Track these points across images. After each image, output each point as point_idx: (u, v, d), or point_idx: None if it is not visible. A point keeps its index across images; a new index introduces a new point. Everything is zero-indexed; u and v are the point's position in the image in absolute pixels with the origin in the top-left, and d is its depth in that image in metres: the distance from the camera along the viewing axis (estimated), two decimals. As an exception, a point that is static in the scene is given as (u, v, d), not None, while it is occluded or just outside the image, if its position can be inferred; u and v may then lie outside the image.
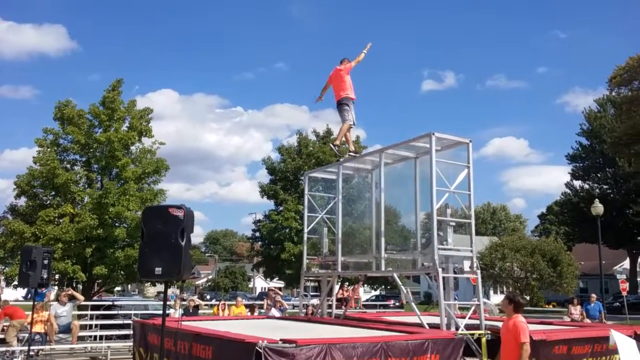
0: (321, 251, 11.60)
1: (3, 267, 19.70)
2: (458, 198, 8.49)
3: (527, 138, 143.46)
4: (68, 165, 20.50)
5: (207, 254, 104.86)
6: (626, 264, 50.25)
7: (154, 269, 6.07)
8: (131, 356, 9.85)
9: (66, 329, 13.01)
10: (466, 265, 8.86)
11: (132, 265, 18.33)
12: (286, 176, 34.14)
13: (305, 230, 11.61)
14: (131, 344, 10.51)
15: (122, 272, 19.58)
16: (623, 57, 44.83)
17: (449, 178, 8.36)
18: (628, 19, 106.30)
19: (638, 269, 49.43)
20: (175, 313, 14.23)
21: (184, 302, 17.03)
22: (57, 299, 13.88)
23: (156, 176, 21.25)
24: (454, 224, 8.59)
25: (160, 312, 7.33)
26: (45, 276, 10.27)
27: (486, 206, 78.59)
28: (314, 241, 13.41)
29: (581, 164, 51.80)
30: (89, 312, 16.10)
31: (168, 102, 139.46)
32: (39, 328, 12.26)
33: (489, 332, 7.78)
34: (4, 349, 11.48)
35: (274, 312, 14.74)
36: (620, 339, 7.25)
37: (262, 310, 16.37)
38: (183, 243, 6.03)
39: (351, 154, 11.01)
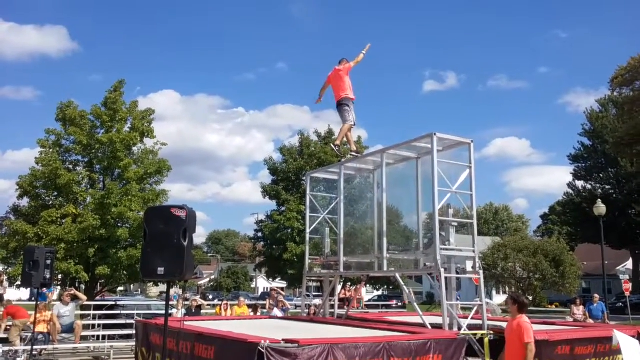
0: (323, 251, 11.60)
1: (6, 268, 19.72)
2: (460, 198, 8.49)
3: (529, 138, 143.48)
4: (70, 166, 20.53)
5: (209, 254, 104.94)
6: (629, 264, 50.18)
7: (157, 269, 6.08)
8: (134, 356, 9.86)
9: (69, 329, 13.04)
10: (469, 265, 8.86)
11: (135, 265, 18.35)
12: (288, 177, 34.17)
13: (308, 231, 11.60)
14: (134, 343, 10.52)
15: (124, 272, 19.60)
16: (625, 57, 44.76)
17: (451, 178, 8.35)
18: (629, 18, 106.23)
19: (641, 269, 49.37)
20: (178, 313, 14.24)
21: (186, 302, 17.05)
22: (60, 299, 13.91)
23: (158, 177, 21.27)
24: (456, 224, 8.58)
25: (163, 312, 7.35)
26: (48, 276, 10.29)
27: (488, 206, 78.51)
28: (316, 241, 13.41)
29: (583, 164, 51.74)
30: (92, 312, 16.14)
31: (170, 103, 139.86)
32: (42, 328, 12.28)
33: (491, 332, 7.78)
34: (7, 348, 11.50)
35: (277, 312, 14.76)
36: (623, 339, 7.25)
37: (265, 310, 16.38)
38: (185, 243, 6.03)
39: (353, 154, 11.01)
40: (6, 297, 15.03)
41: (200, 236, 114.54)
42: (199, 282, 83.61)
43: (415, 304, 9.54)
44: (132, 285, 60.62)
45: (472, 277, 8.79)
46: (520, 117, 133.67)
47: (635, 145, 33.74)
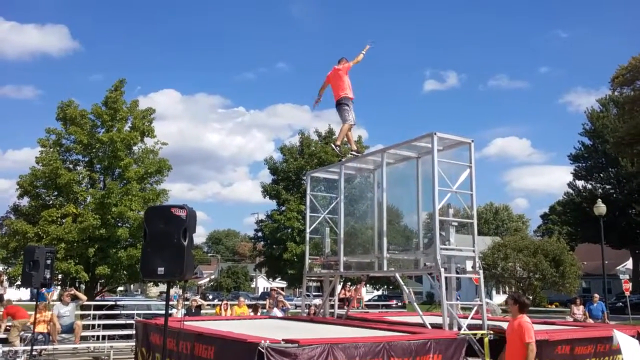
0: (323, 251, 11.60)
1: (6, 267, 19.73)
2: (460, 198, 8.48)
3: (530, 138, 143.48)
4: (71, 166, 20.53)
5: (209, 254, 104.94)
6: (629, 263, 50.19)
7: (157, 269, 6.07)
8: (133, 356, 9.85)
9: (69, 329, 13.04)
10: (468, 265, 8.85)
11: (135, 265, 18.35)
12: (288, 176, 34.18)
13: (308, 230, 11.60)
14: (134, 344, 10.52)
15: (124, 272, 19.60)
16: (625, 57, 44.71)
17: (451, 178, 8.35)
18: (630, 18, 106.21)
19: (641, 269, 49.37)
20: (178, 313, 14.24)
21: (186, 302, 17.05)
22: (60, 299, 13.91)
23: (158, 176, 21.27)
24: (456, 224, 8.58)
25: (163, 312, 7.35)
26: (48, 276, 10.29)
27: (489, 206, 78.51)
28: (316, 241, 13.41)
29: (584, 164, 51.72)
30: (92, 312, 16.14)
31: (170, 102, 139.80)
32: (41, 328, 12.28)
33: (491, 332, 7.78)
34: (7, 348, 11.50)
35: (276, 311, 14.75)
36: (623, 339, 7.25)
37: (265, 310, 16.39)
38: (185, 243, 6.03)
39: (353, 153, 11.00)
40: (7, 297, 15.04)
41: (200, 236, 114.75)
42: (199, 282, 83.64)
43: (415, 303, 9.54)
44: (132, 285, 60.61)
45: (472, 277, 8.78)
46: (520, 117, 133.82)
47: (636, 145, 33.73)
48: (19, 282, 17.07)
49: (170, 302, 8.19)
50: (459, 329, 7.66)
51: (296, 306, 19.66)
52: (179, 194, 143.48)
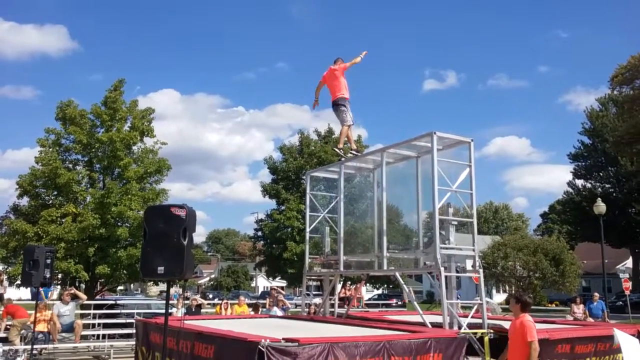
0: (323, 250, 11.60)
1: (6, 267, 19.72)
2: (460, 197, 8.48)
3: (529, 137, 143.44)
4: (70, 165, 20.52)
5: (209, 254, 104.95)
6: (629, 262, 50.23)
7: (157, 268, 6.07)
8: (134, 355, 9.86)
9: (69, 328, 13.05)
10: (468, 264, 8.86)
11: (135, 264, 18.35)
12: (288, 176, 34.17)
13: (307, 230, 11.60)
14: (134, 343, 10.53)
15: (124, 271, 19.60)
16: (625, 56, 44.79)
17: (451, 177, 8.35)
18: (629, 18, 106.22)
19: (641, 268, 49.39)
20: (178, 312, 14.25)
21: (186, 302, 17.05)
22: (60, 298, 13.92)
23: (158, 176, 21.26)
24: (456, 223, 8.58)
25: (163, 311, 7.35)
26: (48, 275, 10.30)
27: (488, 205, 78.52)
28: (316, 240, 13.41)
29: (583, 163, 51.73)
30: (92, 312, 16.15)
31: (169, 102, 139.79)
32: (42, 327, 12.30)
33: (491, 331, 7.78)
34: (7, 347, 11.51)
35: (277, 311, 14.76)
36: (623, 338, 7.25)
37: (264, 309, 16.39)
38: (185, 242, 6.03)
39: (353, 152, 11.01)
40: (7, 296, 15.05)
41: (200, 235, 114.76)
42: (199, 281, 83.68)
43: (415, 302, 9.54)
44: (132, 285, 60.69)
45: (472, 276, 8.78)
46: (520, 116, 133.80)
47: (635, 144, 33.72)
48: (18, 282, 17.08)
49: (170, 301, 8.19)
50: (459, 328, 7.67)
51: (296, 305, 19.68)
52: (179, 193, 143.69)
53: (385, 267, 9.33)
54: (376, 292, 50.28)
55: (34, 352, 11.16)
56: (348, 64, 10.50)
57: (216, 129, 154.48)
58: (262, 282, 74.06)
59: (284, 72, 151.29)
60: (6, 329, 12.67)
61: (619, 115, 42.06)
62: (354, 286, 23.83)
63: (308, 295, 12.74)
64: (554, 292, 37.67)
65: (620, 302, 34.62)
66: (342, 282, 19.93)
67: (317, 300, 14.59)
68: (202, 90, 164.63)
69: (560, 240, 35.41)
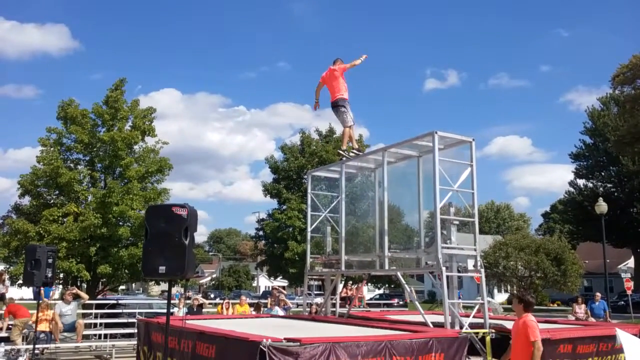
0: (325, 250, 11.59)
1: (8, 266, 19.75)
2: (461, 197, 8.48)
3: (531, 137, 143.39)
4: (71, 165, 20.56)
5: (210, 253, 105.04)
6: (631, 262, 50.14)
7: (158, 268, 6.07)
8: (135, 355, 9.87)
9: (71, 328, 13.05)
10: (470, 264, 8.85)
11: (136, 264, 18.38)
12: (289, 175, 34.15)
13: (309, 229, 11.60)
14: (135, 342, 10.53)
15: (126, 270, 19.63)
16: (626, 56, 44.72)
17: (452, 177, 8.34)
18: (631, 17, 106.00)
19: (642, 268, 49.30)
20: (179, 312, 14.26)
21: (188, 301, 17.06)
22: (61, 298, 13.93)
23: (159, 175, 21.29)
24: (457, 222, 8.57)
25: (164, 310, 7.35)
26: (49, 275, 10.31)
27: (490, 205, 78.49)
28: (317, 240, 13.40)
29: (585, 163, 51.64)
30: (94, 311, 16.15)
31: (171, 101, 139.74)
32: (44, 327, 12.30)
33: (493, 330, 7.78)
34: (9, 347, 11.52)
35: (278, 310, 14.75)
36: (625, 338, 7.23)
37: (266, 309, 16.39)
38: (187, 242, 6.03)
39: (354, 151, 11.00)
40: (9, 295, 15.06)
41: (201, 235, 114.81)
42: (201, 281, 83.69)
43: (416, 302, 9.54)
44: (133, 284, 60.78)
45: (473, 276, 8.78)
46: (521, 116, 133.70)
47: (637, 144, 33.65)
48: (20, 281, 17.10)
49: (172, 301, 8.19)
50: (461, 327, 7.66)
51: (298, 305, 19.67)
52: (180, 193, 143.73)
53: (386, 267, 9.33)
54: (378, 291, 50.31)
55: (36, 351, 11.17)
56: (348, 65, 10.48)
57: (217, 129, 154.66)
58: (263, 282, 74.06)
59: (285, 71, 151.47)
60: (8, 329, 12.68)
61: (620, 114, 41.97)
62: (356, 286, 23.81)
63: (309, 294, 12.75)
64: (555, 291, 37.64)
65: (622, 302, 34.59)
66: (343, 282, 19.90)
67: (319, 300, 14.59)
68: (203, 89, 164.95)
69: (561, 240, 35.37)
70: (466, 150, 8.75)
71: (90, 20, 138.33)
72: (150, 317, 11.90)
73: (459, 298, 8.72)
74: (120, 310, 17.39)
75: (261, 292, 63.19)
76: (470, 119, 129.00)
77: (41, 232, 18.26)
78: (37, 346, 11.27)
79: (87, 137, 19.85)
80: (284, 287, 36.63)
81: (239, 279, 75.24)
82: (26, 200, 20.31)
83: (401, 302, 33.56)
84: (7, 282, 18.85)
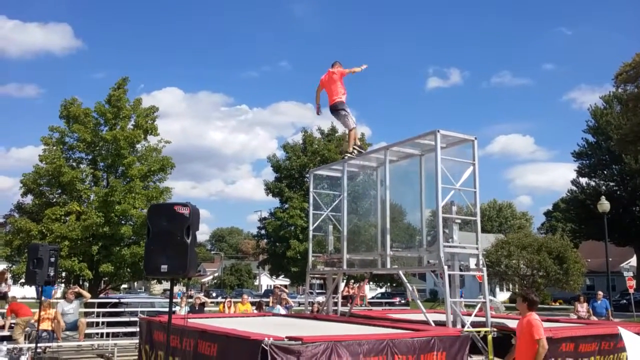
0: (326, 249, 11.60)
1: (10, 265, 19.78)
2: (463, 195, 8.47)
3: (533, 135, 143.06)
4: (74, 164, 20.54)
5: (212, 252, 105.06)
6: (633, 261, 50.03)
7: (160, 267, 6.07)
8: (137, 353, 9.88)
9: (73, 327, 13.06)
10: (472, 262, 8.87)
11: (138, 262, 18.38)
12: (291, 174, 34.15)
13: (311, 228, 11.60)
14: (137, 341, 10.54)
15: (128, 269, 19.64)
16: (629, 54, 44.61)
17: (455, 175, 8.34)
18: (634, 15, 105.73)
19: (645, 266, 49.23)
20: (182, 310, 14.27)
21: (190, 300, 17.08)
22: (64, 297, 13.95)
23: (162, 174, 21.28)
24: (459, 221, 8.58)
25: (166, 309, 7.35)
26: (52, 274, 10.32)
27: (492, 203, 78.41)
28: (319, 239, 13.40)
29: (587, 161, 51.53)
30: (96, 310, 16.19)
31: (173, 100, 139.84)
32: (46, 325, 12.32)
33: (495, 329, 7.77)
34: (11, 346, 11.53)
35: (280, 309, 14.77)
36: (627, 337, 7.22)
37: (268, 307, 16.41)
38: (189, 240, 6.03)
39: (357, 149, 10.98)
40: (12, 294, 15.08)
41: (203, 233, 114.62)
42: (203, 280, 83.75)
43: (418, 301, 9.55)
44: (135, 283, 60.85)
45: (475, 274, 8.79)
46: (524, 114, 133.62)
47: (639, 142, 33.61)
48: (22, 280, 17.13)
49: (174, 300, 8.20)
50: (463, 326, 7.66)
51: (299, 303, 19.69)
52: (182, 191, 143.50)
53: (388, 266, 9.33)
54: (379, 290, 50.24)
55: (38, 350, 11.19)
56: (347, 70, 10.37)
57: (220, 127, 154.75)
58: (265, 281, 74.08)
59: (287, 70, 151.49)
60: (10, 327, 12.70)
61: (623, 113, 41.87)
62: (357, 284, 23.81)
63: (311, 293, 12.78)
64: (557, 290, 37.59)
65: (625, 301, 34.56)
66: (345, 281, 19.91)
67: (320, 298, 14.61)
68: (205, 88, 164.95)
69: (564, 239, 35.30)
70: (468, 149, 8.74)
71: (93, 20, 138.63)
72: (152, 315, 11.89)
73: (461, 297, 8.72)
74: (122, 309, 17.40)
75: (263, 291, 63.19)
76: (473, 117, 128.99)
77: (43, 230, 18.27)
78: (39, 345, 11.28)
79: (89, 136, 19.86)
80: (285, 286, 36.65)
81: (240, 277, 75.32)
82: (29, 199, 20.34)
83: (403, 301, 33.50)
84: (10, 281, 18.88)
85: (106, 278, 20.80)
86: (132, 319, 14.85)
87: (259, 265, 49.63)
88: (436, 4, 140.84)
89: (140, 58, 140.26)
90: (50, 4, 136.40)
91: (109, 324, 15.21)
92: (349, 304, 12.46)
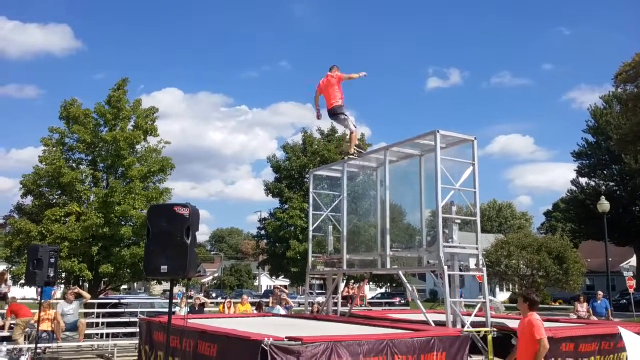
0: (327, 249, 11.60)
1: (10, 266, 19.78)
2: (463, 196, 8.48)
3: (533, 135, 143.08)
4: (74, 165, 20.54)
5: (212, 253, 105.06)
6: (633, 261, 50.04)
7: (160, 267, 6.08)
8: (137, 354, 9.88)
9: (73, 327, 13.07)
10: (472, 262, 8.87)
11: (138, 263, 18.37)
12: (291, 174, 34.14)
13: (311, 229, 11.61)
14: (137, 341, 10.55)
15: (128, 270, 19.63)
16: (629, 54, 44.61)
17: (455, 176, 8.35)
18: (634, 15, 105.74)
19: (645, 266, 49.22)
20: (182, 311, 14.27)
21: (190, 300, 17.07)
22: (64, 298, 13.95)
23: (162, 175, 21.27)
24: (459, 221, 8.59)
25: (166, 310, 7.36)
26: (52, 275, 10.33)
27: (492, 204, 78.41)
28: (319, 239, 13.41)
29: (587, 161, 51.53)
30: (96, 311, 16.18)
31: (173, 101, 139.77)
32: (46, 326, 12.33)
33: (495, 329, 7.77)
34: (11, 347, 11.53)
35: (280, 309, 14.77)
36: (628, 337, 7.22)
37: (268, 308, 16.41)
38: (189, 241, 6.03)
39: (356, 149, 10.99)
40: (12, 295, 15.08)
41: (203, 234, 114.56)
42: (203, 280, 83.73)
43: (418, 301, 9.55)
44: (135, 284, 60.86)
45: (475, 275, 8.79)
46: (524, 114, 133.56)
47: (639, 142, 33.61)
48: (22, 281, 17.12)
49: (174, 300, 8.20)
50: (463, 326, 7.66)
51: (299, 304, 19.69)
52: (182, 192, 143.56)
53: (388, 266, 9.33)
54: (379, 290, 50.23)
55: (38, 351, 11.19)
56: (346, 75, 10.29)
57: (220, 128, 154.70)
58: (265, 281, 74.05)
59: (287, 71, 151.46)
60: (10, 328, 12.70)
61: (623, 113, 41.88)
62: (357, 285, 23.81)
63: (311, 294, 12.77)
64: (557, 290, 37.56)
65: (625, 301, 34.57)
66: (345, 281, 19.91)
67: (321, 299, 14.61)
68: (205, 89, 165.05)
69: (564, 239, 35.29)
70: (468, 149, 8.75)
71: (93, 21, 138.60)
72: (152, 316, 11.90)
73: (461, 297, 8.72)
74: (122, 310, 17.40)
75: (263, 292, 63.18)
76: (473, 117, 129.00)
77: (43, 232, 18.27)
78: (39, 345, 11.29)
79: (89, 137, 19.86)
80: (285, 287, 36.66)
81: (240, 278, 75.28)
82: (29, 200, 20.33)
83: (403, 301, 33.52)
84: (10, 282, 18.88)
85: (106, 279, 20.80)
86: (132, 319, 14.84)
87: (259, 265, 49.59)
88: (436, 4, 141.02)
89: (140, 59, 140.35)
90: (50, 5, 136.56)
91: (109, 325, 15.20)
92: (349, 305, 12.46)
